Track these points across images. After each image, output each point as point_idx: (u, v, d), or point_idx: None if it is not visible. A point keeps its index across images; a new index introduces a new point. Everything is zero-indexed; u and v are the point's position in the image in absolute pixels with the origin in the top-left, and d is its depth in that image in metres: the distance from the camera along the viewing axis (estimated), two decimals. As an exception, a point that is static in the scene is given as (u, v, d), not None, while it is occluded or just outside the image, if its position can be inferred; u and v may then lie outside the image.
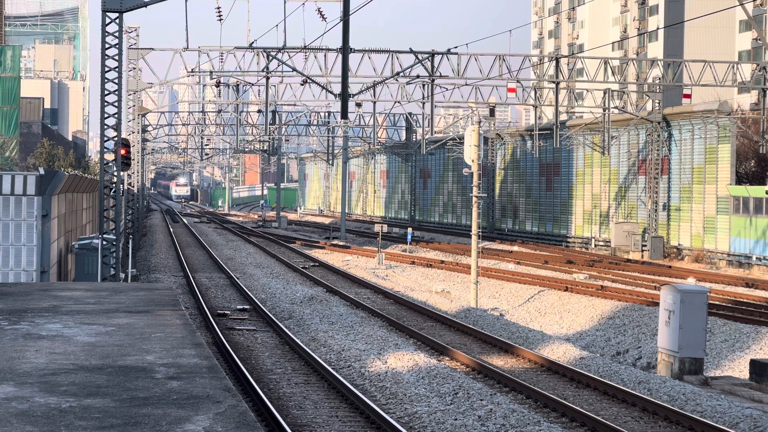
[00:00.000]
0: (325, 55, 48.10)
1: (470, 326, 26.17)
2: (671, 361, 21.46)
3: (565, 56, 61.62)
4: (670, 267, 46.56)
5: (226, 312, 28.61)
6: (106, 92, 28.50)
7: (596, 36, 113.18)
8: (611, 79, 51.37)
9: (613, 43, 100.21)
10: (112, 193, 31.20)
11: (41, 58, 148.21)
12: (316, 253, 52.77)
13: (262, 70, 48.91)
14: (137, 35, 53.07)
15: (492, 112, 63.95)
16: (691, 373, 21.15)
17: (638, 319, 30.05)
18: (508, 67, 49.87)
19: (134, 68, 48.11)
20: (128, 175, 47.91)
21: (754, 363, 20.96)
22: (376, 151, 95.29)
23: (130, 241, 35.76)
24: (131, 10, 28.13)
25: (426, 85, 50.62)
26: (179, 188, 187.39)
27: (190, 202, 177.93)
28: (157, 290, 17.08)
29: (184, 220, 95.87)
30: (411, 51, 49.02)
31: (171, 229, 74.25)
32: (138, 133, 55.01)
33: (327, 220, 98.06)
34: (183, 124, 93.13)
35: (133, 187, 52.32)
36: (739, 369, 24.60)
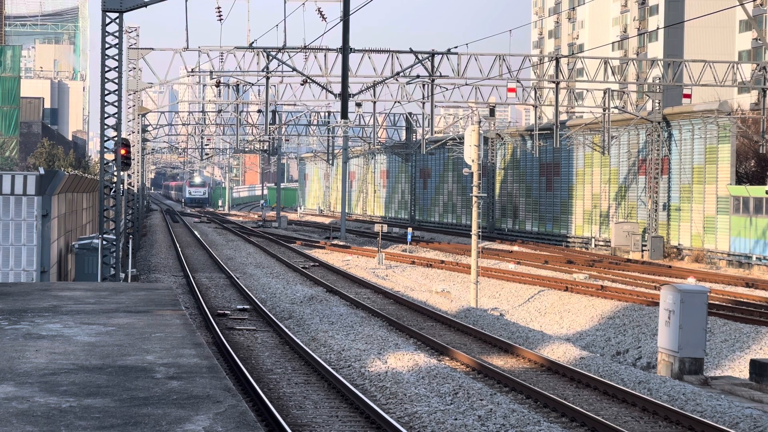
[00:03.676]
0: (325, 55, 48.09)
1: (470, 326, 26.17)
2: (671, 361, 21.46)
3: (565, 56, 61.60)
4: (670, 267, 46.55)
5: (226, 312, 28.61)
6: (106, 92, 28.50)
7: (596, 36, 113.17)
8: (611, 79, 51.37)
9: (613, 43, 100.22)
10: (112, 193, 31.20)
11: (41, 58, 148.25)
12: (316, 253, 52.76)
13: (262, 70, 48.91)
14: (137, 35, 53.06)
15: (492, 112, 63.95)
16: (691, 373, 21.15)
17: (638, 319, 30.05)
18: (508, 67, 49.88)
19: (134, 68, 48.11)
20: (128, 175, 47.91)
21: (754, 363, 20.96)
22: (376, 151, 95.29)
23: (130, 241, 35.76)
24: (131, 10, 28.13)
25: (426, 85, 50.62)
26: (194, 189, 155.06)
27: (205, 209, 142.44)
28: (157, 290, 17.08)
29: (184, 220, 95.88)
30: (411, 51, 49.02)
31: (171, 229, 74.26)
32: (138, 133, 55.01)
33: (327, 220, 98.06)
34: (183, 124, 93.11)
35: (133, 187, 52.32)
36: (739, 369, 24.60)
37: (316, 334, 24.49)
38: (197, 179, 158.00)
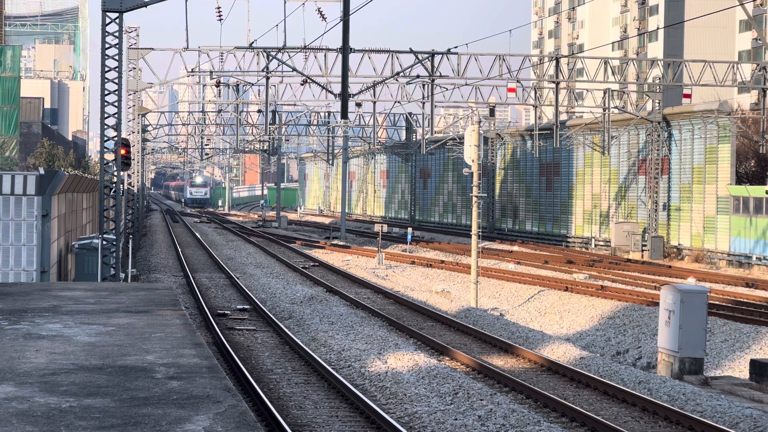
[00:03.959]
0: (325, 55, 48.09)
1: (470, 326, 26.17)
2: (671, 361, 21.46)
3: (565, 56, 61.61)
4: (670, 267, 46.55)
5: (226, 312, 28.62)
6: (106, 92, 28.50)
7: (596, 36, 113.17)
8: (611, 79, 51.37)
9: (613, 43, 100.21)
10: (112, 193, 31.20)
11: (41, 58, 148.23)
12: (316, 253, 52.76)
13: (262, 70, 48.91)
14: (137, 35, 53.07)
15: (492, 112, 63.94)
16: (691, 373, 21.15)
17: (638, 319, 30.05)
18: (508, 67, 49.87)
19: (134, 68, 48.11)
20: (128, 175, 47.91)
21: (754, 363, 20.97)
22: (376, 151, 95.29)
23: (130, 241, 35.76)
24: (131, 10, 28.13)
25: (426, 85, 50.61)
26: (195, 189, 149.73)
27: (207, 209, 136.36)
28: (157, 290, 17.08)
29: (184, 220, 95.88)
30: (411, 51, 49.02)
31: (171, 229, 74.26)
32: (138, 133, 55.01)
33: (327, 220, 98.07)
34: (183, 124, 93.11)
35: (133, 187, 52.31)
36: (739, 369, 24.60)
37: (316, 334, 24.49)
38: (198, 179, 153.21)
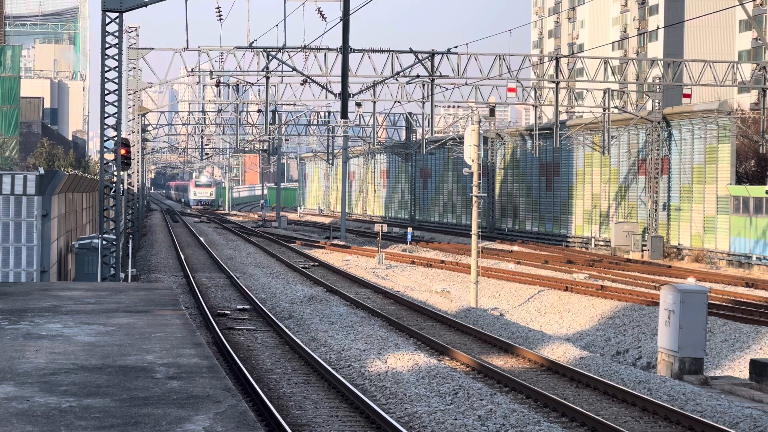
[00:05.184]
0: (325, 55, 48.09)
1: (470, 326, 26.18)
2: (671, 360, 21.46)
3: (565, 56, 61.60)
4: (670, 267, 46.55)
5: (226, 312, 28.61)
6: (106, 92, 28.50)
7: (596, 36, 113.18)
8: (611, 79, 51.36)
9: (613, 43, 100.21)
10: (112, 193, 31.20)
11: (41, 58, 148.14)
12: (316, 253, 52.76)
13: (262, 70, 48.90)
14: (137, 35, 53.05)
15: (492, 112, 63.92)
16: (691, 373, 21.15)
17: (638, 319, 30.05)
18: (508, 67, 49.86)
19: (134, 68, 48.09)
20: (128, 174, 47.89)
21: (754, 363, 20.97)
22: (376, 151, 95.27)
23: (130, 241, 35.75)
24: (131, 9, 28.13)
25: (426, 85, 50.60)
26: (200, 189, 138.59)
27: (212, 211, 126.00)
28: (157, 290, 17.07)
29: (184, 220, 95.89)
30: (411, 51, 49.01)
31: (171, 229, 74.27)
32: (138, 133, 54.99)
33: (327, 220, 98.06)
34: (183, 124, 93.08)
35: (133, 187, 52.29)
36: (739, 369, 24.60)
37: (316, 333, 24.49)
38: (203, 178, 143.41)
